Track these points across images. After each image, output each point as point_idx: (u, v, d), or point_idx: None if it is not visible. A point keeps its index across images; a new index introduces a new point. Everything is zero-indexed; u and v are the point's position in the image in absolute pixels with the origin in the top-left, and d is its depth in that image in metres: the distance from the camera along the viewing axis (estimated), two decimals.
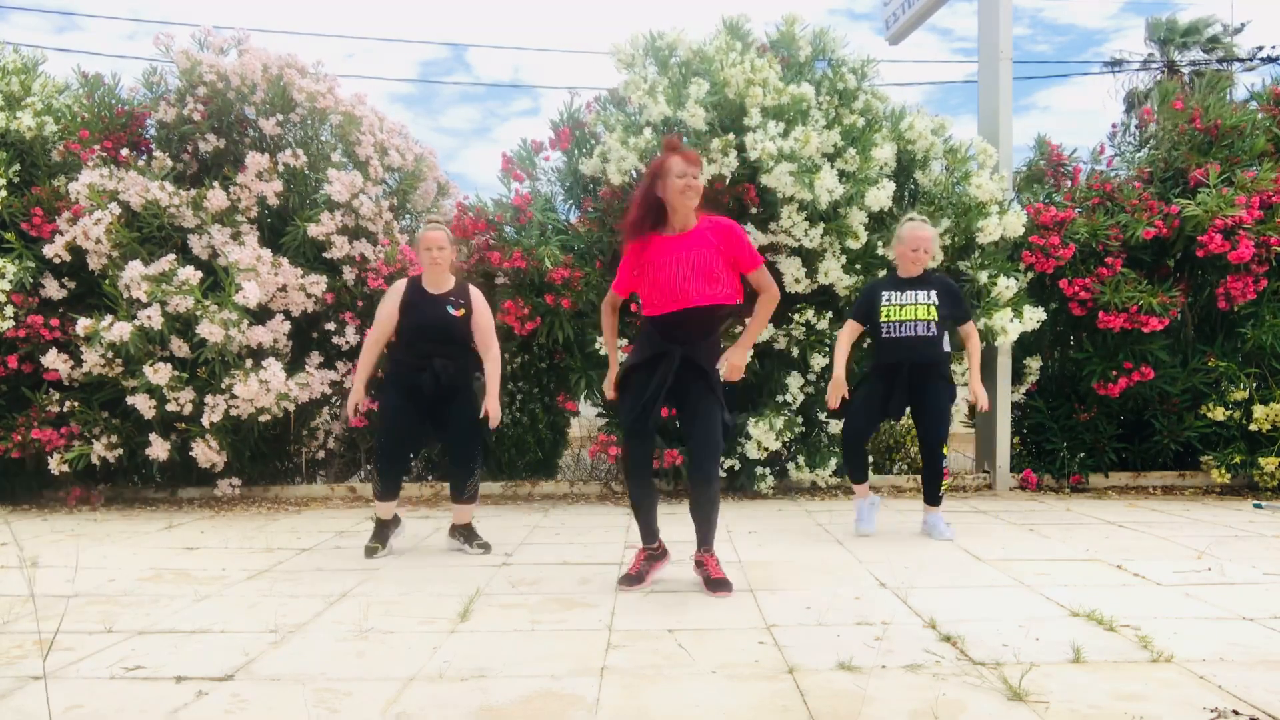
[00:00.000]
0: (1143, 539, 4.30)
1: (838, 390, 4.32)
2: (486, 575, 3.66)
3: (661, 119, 5.59)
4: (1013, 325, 5.45)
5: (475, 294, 4.14)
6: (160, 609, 3.17)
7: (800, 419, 5.73)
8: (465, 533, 4.19)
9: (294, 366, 5.65)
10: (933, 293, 4.24)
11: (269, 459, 6.19)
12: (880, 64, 6.19)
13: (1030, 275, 5.90)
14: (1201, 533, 4.45)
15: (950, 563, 3.80)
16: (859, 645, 2.62)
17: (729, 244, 3.23)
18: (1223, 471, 5.75)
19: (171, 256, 5.33)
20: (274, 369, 5.26)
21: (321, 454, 6.36)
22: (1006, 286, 5.50)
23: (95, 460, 5.48)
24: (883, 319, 4.25)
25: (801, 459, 5.73)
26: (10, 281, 5.37)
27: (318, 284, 5.65)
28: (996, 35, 6.18)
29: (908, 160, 5.90)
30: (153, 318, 5.13)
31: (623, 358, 3.62)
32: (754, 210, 5.62)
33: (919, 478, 6.07)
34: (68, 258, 5.49)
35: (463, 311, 4.05)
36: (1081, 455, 6.06)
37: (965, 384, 6.31)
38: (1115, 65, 22.11)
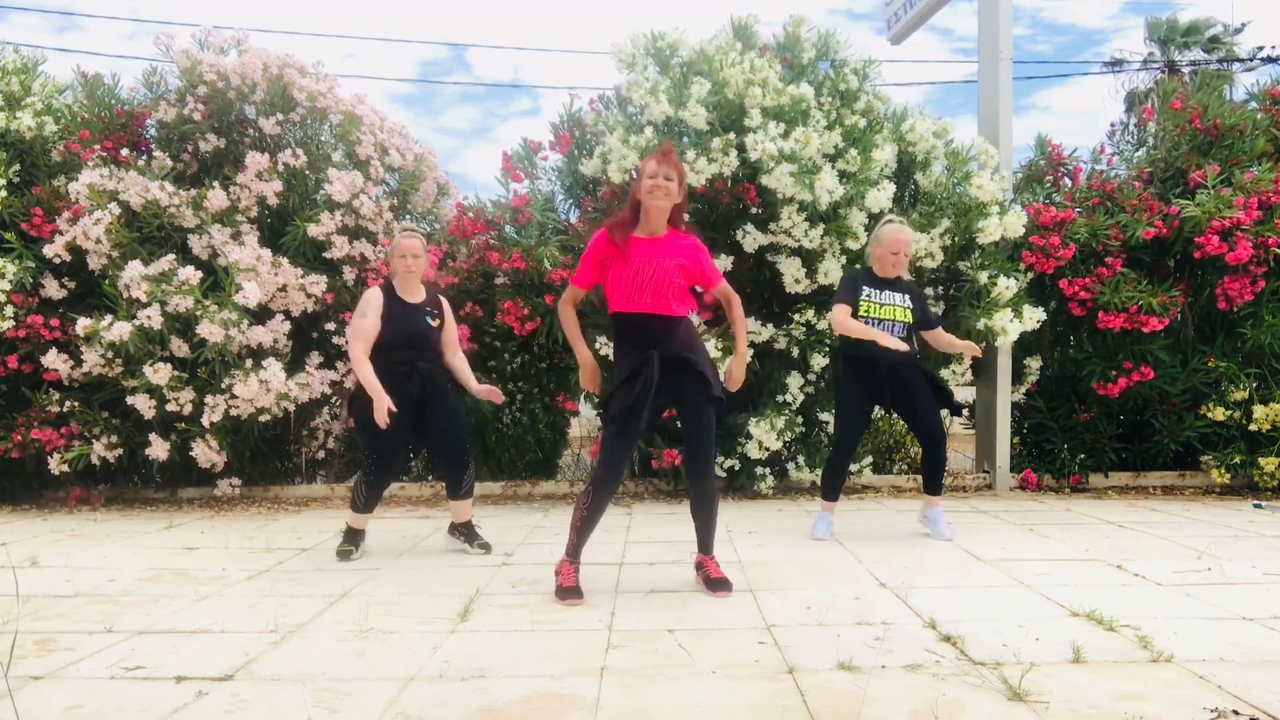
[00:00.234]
0: (1143, 539, 4.30)
1: (885, 339, 4.14)
2: (486, 575, 3.66)
3: (663, 119, 5.59)
4: (1013, 325, 5.45)
5: (445, 304, 4.22)
6: (160, 609, 3.17)
7: (800, 419, 5.73)
8: (466, 532, 4.18)
9: (294, 366, 5.65)
10: (907, 297, 4.31)
11: (269, 459, 6.19)
12: (881, 64, 6.21)
13: (1030, 275, 5.90)
14: (1201, 533, 4.45)
15: (950, 563, 3.80)
16: (859, 645, 2.62)
17: (694, 260, 3.25)
18: (1223, 471, 5.75)
19: (171, 256, 5.33)
20: (274, 369, 5.26)
21: (321, 454, 6.36)
22: (1006, 287, 5.50)
23: (95, 460, 5.48)
24: (863, 313, 4.25)
25: (801, 459, 5.73)
26: (10, 281, 5.37)
27: (318, 284, 5.66)
28: (996, 35, 6.18)
29: (908, 161, 5.90)
30: (152, 318, 5.13)
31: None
32: (754, 210, 5.62)
33: (918, 478, 6.08)
34: (68, 258, 5.50)
35: (438, 323, 4.10)
36: (1081, 455, 6.06)
37: (966, 384, 6.38)
38: (1115, 65, 22.13)
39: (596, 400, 3.51)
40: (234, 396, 5.24)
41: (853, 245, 5.50)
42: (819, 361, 5.64)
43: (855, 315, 4.27)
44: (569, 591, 3.22)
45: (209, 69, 5.73)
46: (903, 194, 5.97)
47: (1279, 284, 5.78)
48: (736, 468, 5.66)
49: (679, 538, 4.39)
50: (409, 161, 6.27)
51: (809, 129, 5.35)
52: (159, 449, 5.38)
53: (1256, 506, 5.41)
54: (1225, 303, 5.72)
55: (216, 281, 5.37)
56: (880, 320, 4.23)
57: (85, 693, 2.33)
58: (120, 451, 5.55)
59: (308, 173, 5.90)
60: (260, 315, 5.53)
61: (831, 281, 5.59)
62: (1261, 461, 5.64)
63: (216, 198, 5.53)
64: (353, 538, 4.09)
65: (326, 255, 5.75)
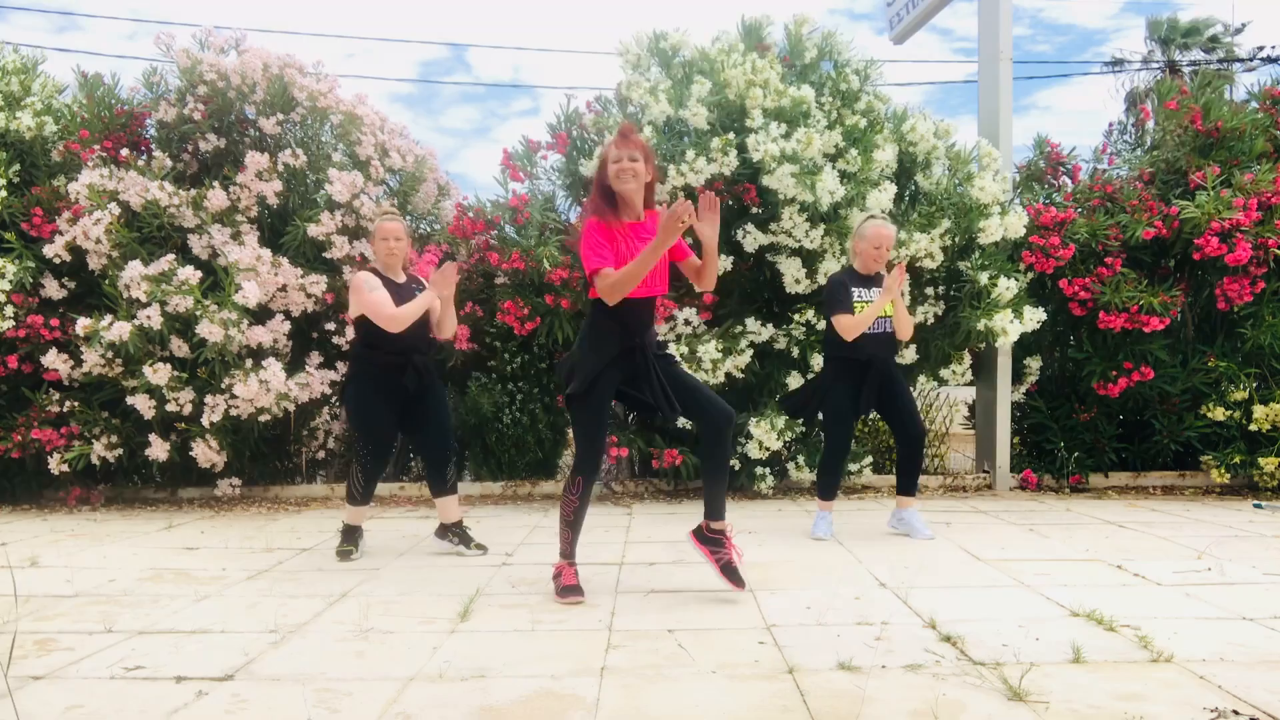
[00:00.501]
0: (1143, 539, 4.30)
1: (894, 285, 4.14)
2: (486, 575, 3.66)
3: (663, 118, 5.59)
4: (1013, 326, 5.45)
5: (426, 281, 4.12)
6: (160, 609, 3.17)
7: (800, 419, 5.73)
8: (459, 532, 4.15)
9: (294, 366, 5.65)
10: (896, 274, 4.29)
11: (269, 459, 6.19)
12: (883, 65, 6.21)
13: (1030, 275, 5.90)
14: (1201, 533, 4.45)
15: (950, 563, 3.80)
16: (859, 645, 2.62)
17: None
18: (1223, 471, 5.75)
19: (171, 256, 5.33)
20: (274, 369, 5.26)
21: (321, 454, 6.35)
22: (1007, 287, 5.50)
23: (95, 460, 5.48)
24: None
25: (801, 459, 5.73)
26: (10, 281, 5.37)
27: (318, 284, 5.66)
28: (996, 35, 6.18)
29: (909, 162, 5.90)
30: (152, 318, 5.13)
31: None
32: (755, 210, 5.62)
33: (920, 478, 6.09)
34: (68, 258, 5.50)
35: None
36: (1081, 455, 6.06)
37: (966, 384, 6.38)
38: (1115, 65, 22.14)
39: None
40: (234, 396, 5.24)
41: (850, 242, 5.50)
42: (819, 361, 5.63)
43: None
44: (569, 590, 3.21)
45: (209, 69, 5.73)
46: (903, 194, 5.97)
47: (1279, 285, 5.78)
48: (736, 467, 5.66)
49: (679, 538, 4.39)
50: (409, 163, 6.27)
51: (810, 130, 5.35)
52: (159, 449, 5.38)
53: (1256, 506, 5.41)
54: (1225, 303, 5.72)
55: (216, 281, 5.37)
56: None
57: (85, 693, 2.33)
58: (120, 451, 5.55)
59: (308, 173, 5.90)
60: (260, 315, 5.53)
61: None
62: (1261, 461, 5.64)
63: (216, 198, 5.53)
64: (351, 536, 4.09)
65: (326, 255, 5.75)
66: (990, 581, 3.45)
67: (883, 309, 4.21)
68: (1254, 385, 5.81)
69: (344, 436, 6.32)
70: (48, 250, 5.44)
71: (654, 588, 3.41)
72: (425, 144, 6.54)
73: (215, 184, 5.60)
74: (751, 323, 5.64)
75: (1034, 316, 5.57)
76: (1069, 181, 6.54)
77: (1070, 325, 6.20)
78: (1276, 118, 6.05)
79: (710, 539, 3.31)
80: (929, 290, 5.89)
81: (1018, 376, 6.26)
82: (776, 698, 2.22)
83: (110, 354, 5.26)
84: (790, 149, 5.22)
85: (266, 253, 5.46)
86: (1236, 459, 5.72)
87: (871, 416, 4.93)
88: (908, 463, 4.41)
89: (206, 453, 5.37)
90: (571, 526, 3.27)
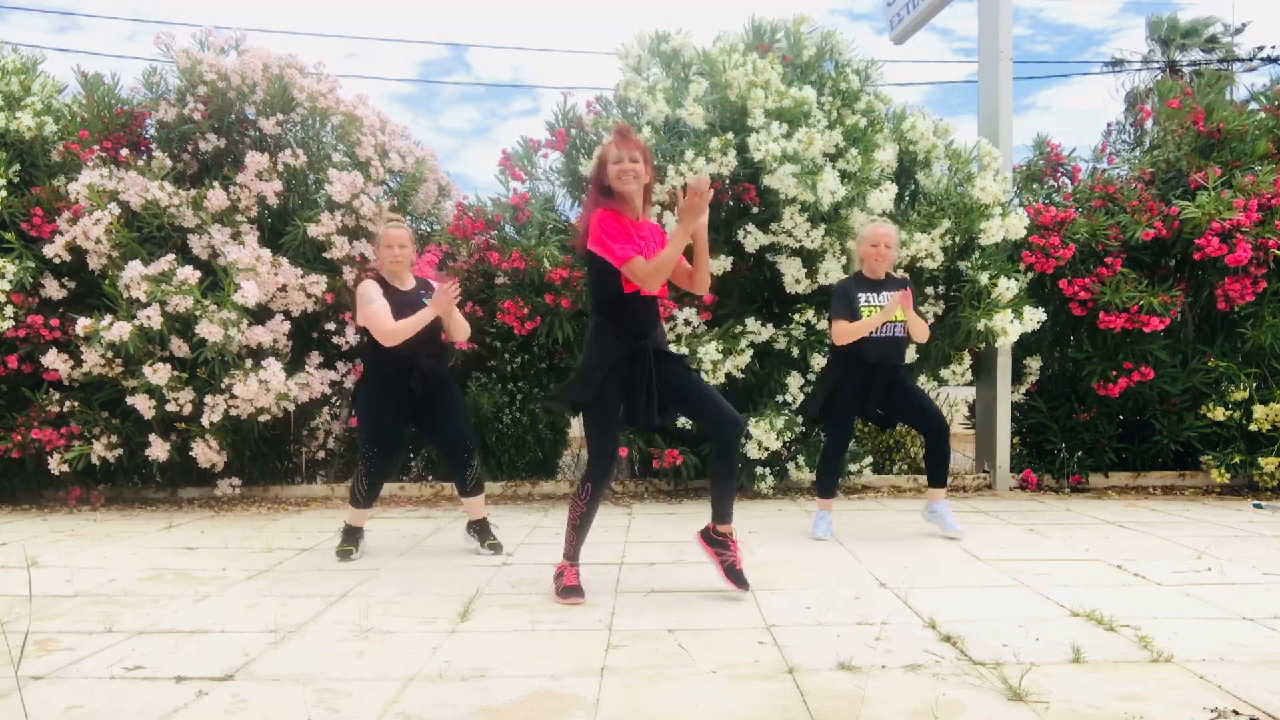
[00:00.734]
0: (1143, 539, 4.30)
1: (891, 309, 4.17)
2: (486, 575, 3.66)
3: (662, 118, 5.59)
4: (1013, 326, 5.45)
5: (437, 283, 4.06)
6: (160, 609, 3.17)
7: (800, 419, 5.73)
8: (479, 530, 4.17)
9: (294, 366, 5.65)
10: (898, 295, 4.28)
11: (269, 459, 6.20)
12: (883, 65, 6.22)
13: (1030, 275, 5.90)
14: (1201, 533, 4.45)
15: (950, 563, 3.80)
16: (859, 645, 2.62)
17: (662, 240, 3.24)
18: (1223, 471, 5.75)
19: (171, 256, 5.33)
20: (274, 369, 5.26)
21: (321, 454, 6.35)
22: (1007, 288, 5.50)
23: (95, 460, 5.48)
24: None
25: (801, 459, 5.73)
26: (10, 281, 5.37)
27: (318, 284, 5.66)
28: (996, 35, 6.18)
29: (909, 161, 5.90)
30: (152, 318, 5.13)
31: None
32: (755, 210, 5.62)
33: (919, 478, 6.10)
34: (68, 258, 5.49)
35: None
36: (1081, 455, 6.06)
37: (966, 384, 6.38)
38: (1115, 65, 22.14)
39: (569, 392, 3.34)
40: (234, 396, 5.24)
41: (853, 246, 5.50)
42: (819, 361, 5.63)
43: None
44: (570, 590, 3.20)
45: (209, 69, 5.73)
46: (903, 194, 5.97)
47: (1279, 285, 5.77)
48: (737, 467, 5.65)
49: (679, 538, 4.39)
50: (410, 164, 6.27)
51: (811, 130, 5.35)
52: (159, 449, 5.38)
53: (1256, 506, 5.41)
54: (1225, 303, 5.72)
55: (216, 281, 5.37)
56: (882, 323, 4.24)
57: (85, 693, 2.33)
58: (120, 451, 5.55)
59: (308, 173, 5.90)
60: (260, 315, 5.53)
61: (832, 282, 5.59)
62: (1261, 461, 5.64)
63: (216, 198, 5.53)
64: (352, 537, 4.08)
65: (326, 255, 5.75)
66: (990, 581, 3.45)
67: (886, 319, 4.21)
68: (1254, 385, 5.81)
69: (344, 436, 6.32)
70: (48, 250, 5.44)
71: (654, 588, 3.41)
72: (425, 144, 6.55)
73: (215, 184, 5.60)
74: (751, 323, 5.64)
75: (1034, 316, 5.58)
76: (1069, 182, 6.54)
77: (1070, 325, 6.20)
78: None
79: (716, 541, 3.32)
80: (929, 290, 5.89)
81: (1018, 376, 6.26)
82: (776, 698, 2.22)
83: (110, 354, 5.26)
84: (791, 149, 5.22)
85: (266, 253, 5.46)
86: (1236, 459, 5.72)
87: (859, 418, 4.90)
88: (934, 454, 4.39)
89: (206, 453, 5.37)
90: (577, 530, 3.27)
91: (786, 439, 5.56)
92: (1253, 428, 5.68)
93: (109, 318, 5.17)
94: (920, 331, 4.32)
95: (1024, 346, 6.04)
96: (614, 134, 3.13)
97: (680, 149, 5.46)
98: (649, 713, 2.15)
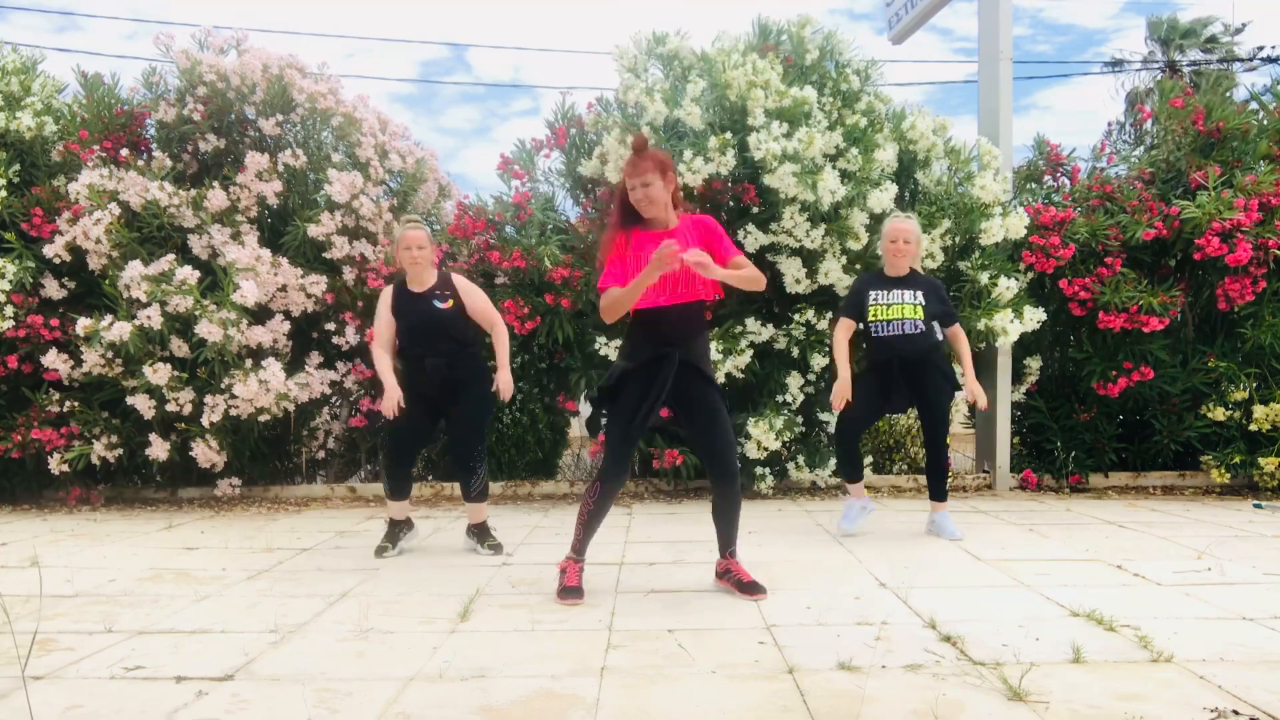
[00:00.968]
0: (1143, 539, 4.30)
1: (843, 393, 4.26)
2: (486, 575, 3.66)
3: (662, 119, 5.59)
4: (1013, 326, 5.45)
5: (459, 281, 4.10)
6: (160, 609, 3.17)
7: (800, 419, 5.73)
8: (479, 532, 4.19)
9: (294, 366, 5.65)
10: (919, 293, 4.27)
11: (269, 459, 6.20)
12: (884, 65, 6.22)
13: (1030, 275, 5.90)
14: (1201, 533, 4.45)
15: (950, 563, 3.80)
16: (859, 645, 2.62)
17: (707, 240, 3.20)
18: (1223, 471, 5.75)
19: (171, 256, 5.33)
20: (274, 369, 5.26)
21: (321, 454, 6.36)
22: (1007, 287, 5.51)
23: (95, 460, 5.48)
24: (870, 319, 4.27)
25: (801, 459, 5.73)
26: (10, 281, 5.37)
27: (318, 284, 5.66)
28: (996, 35, 6.18)
29: (909, 160, 5.90)
30: (152, 318, 5.13)
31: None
32: (755, 210, 5.62)
33: (919, 478, 6.10)
34: (68, 258, 5.50)
35: (451, 303, 4.01)
36: (1081, 455, 6.06)
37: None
38: (1115, 65, 22.14)
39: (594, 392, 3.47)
40: (234, 396, 5.24)
41: (854, 245, 5.50)
42: (819, 361, 5.63)
43: (865, 321, 4.29)
44: (570, 591, 3.21)
45: (208, 69, 5.73)
46: (904, 193, 5.97)
47: (1279, 285, 5.77)
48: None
49: (679, 538, 4.39)
50: (410, 164, 6.27)
51: (812, 129, 5.35)
52: (159, 449, 5.38)
53: (1256, 506, 5.41)
54: (1225, 303, 5.72)
55: (216, 281, 5.37)
56: (887, 321, 4.23)
57: (85, 693, 2.33)
58: (120, 451, 5.55)
59: (308, 173, 5.90)
60: (260, 315, 5.53)
61: (832, 282, 5.60)
62: (1261, 461, 5.64)
63: (216, 198, 5.53)
64: (393, 534, 4.13)
65: (326, 255, 5.76)
66: (990, 581, 3.45)
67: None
68: (1254, 385, 5.81)
69: (344, 436, 6.32)
70: (48, 250, 5.44)
71: (654, 588, 3.41)
72: (425, 144, 6.55)
73: (215, 184, 5.60)
74: (751, 323, 5.64)
75: (1034, 316, 5.58)
76: (1068, 181, 6.54)
77: (1070, 325, 6.20)
78: None
79: (721, 574, 3.38)
80: None
81: (1018, 376, 6.26)
82: (776, 698, 2.22)
83: (110, 354, 5.26)
84: (791, 148, 5.22)
85: (266, 253, 5.46)
86: (1236, 459, 5.72)
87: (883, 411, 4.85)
88: (928, 466, 4.41)
89: (206, 453, 5.37)
90: (585, 527, 3.29)
91: (786, 439, 5.56)
92: (1253, 428, 5.68)
93: (109, 318, 5.17)
94: (968, 373, 4.34)
95: (1024, 346, 6.04)
96: (630, 153, 3.15)
97: (679, 149, 5.46)
98: (649, 713, 2.15)
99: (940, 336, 4.33)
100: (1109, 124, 6.93)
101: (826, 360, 5.65)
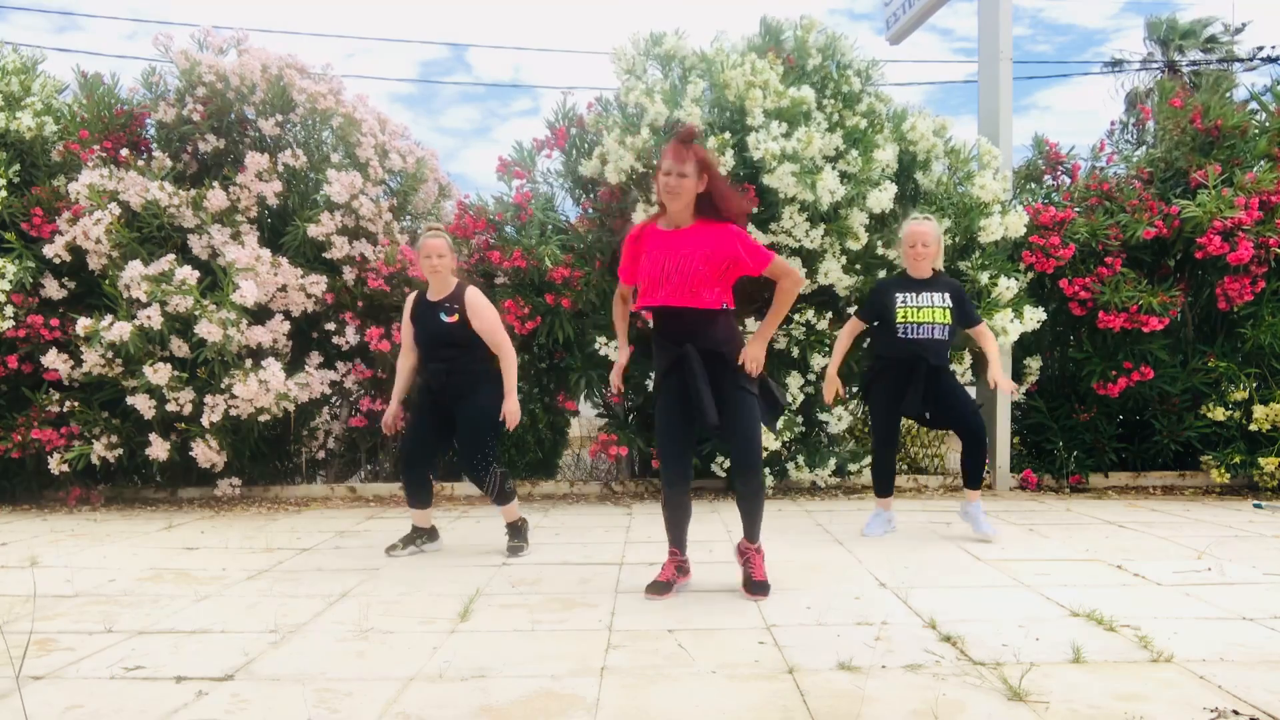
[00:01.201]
0: (1143, 539, 4.30)
1: (832, 386, 4.45)
2: (486, 575, 3.66)
3: (662, 120, 5.58)
4: (1013, 326, 5.45)
5: (471, 296, 4.01)
6: (160, 609, 3.17)
7: (800, 419, 5.73)
8: (508, 531, 4.21)
9: (294, 366, 5.65)
10: (946, 295, 4.28)
11: (269, 459, 6.19)
12: (884, 66, 6.21)
13: (1030, 275, 5.90)
14: (1201, 533, 4.45)
15: (950, 563, 3.80)
16: (859, 645, 2.62)
17: (726, 249, 3.08)
18: (1223, 471, 5.75)
19: (171, 256, 5.33)
20: (273, 369, 5.26)
21: (321, 454, 6.36)
22: (1007, 287, 5.50)
23: (95, 460, 5.48)
24: (899, 320, 4.24)
25: (801, 459, 5.73)
26: (10, 281, 5.37)
27: (318, 284, 5.66)
28: (996, 35, 6.18)
29: (909, 161, 5.90)
30: (152, 318, 5.13)
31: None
32: (755, 210, 5.62)
33: (919, 478, 6.11)
34: (68, 258, 5.49)
35: (456, 317, 3.99)
36: (1081, 455, 6.06)
37: (966, 384, 6.36)
38: (1115, 65, 22.12)
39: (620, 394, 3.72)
40: (234, 396, 5.24)
41: (853, 246, 5.50)
42: (819, 361, 5.63)
43: (889, 322, 4.28)
44: (654, 586, 3.29)
45: (208, 69, 5.73)
46: (903, 194, 5.97)
47: (1279, 284, 5.77)
48: None
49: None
50: (410, 164, 6.27)
51: (811, 129, 5.35)
52: (159, 449, 5.38)
53: (1256, 506, 5.41)
54: (1225, 303, 5.72)
55: (215, 281, 5.37)
56: (918, 323, 4.22)
57: (85, 693, 2.33)
58: (120, 451, 5.54)
59: (308, 173, 5.90)
60: (260, 315, 5.53)
61: (831, 282, 5.60)
62: (1261, 461, 5.64)
63: (216, 198, 5.53)
64: (410, 537, 4.16)
65: (326, 255, 5.75)
66: (990, 581, 3.45)
67: (930, 315, 4.22)
68: (1254, 385, 5.81)
69: (344, 436, 6.32)
70: (48, 250, 5.44)
71: None
72: (425, 144, 6.56)
73: (215, 184, 5.60)
74: (751, 323, 5.64)
75: (1034, 316, 5.58)
76: (1068, 180, 6.54)
77: (1070, 325, 6.20)
78: None
79: (740, 553, 3.44)
80: None
81: (1018, 376, 6.26)
82: (776, 698, 2.22)
83: (110, 354, 5.26)
84: (790, 148, 5.22)
85: (266, 253, 5.46)
86: (1236, 459, 5.72)
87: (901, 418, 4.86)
88: (967, 457, 4.39)
89: (206, 453, 5.37)
90: (666, 524, 3.40)
91: (786, 439, 5.55)
92: (1253, 428, 5.68)
93: (109, 318, 5.17)
94: (994, 369, 4.35)
95: (1024, 346, 6.04)
96: (673, 138, 3.11)
97: None
98: (649, 713, 2.15)
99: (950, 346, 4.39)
100: (1112, 123, 6.93)
101: (826, 360, 5.65)
